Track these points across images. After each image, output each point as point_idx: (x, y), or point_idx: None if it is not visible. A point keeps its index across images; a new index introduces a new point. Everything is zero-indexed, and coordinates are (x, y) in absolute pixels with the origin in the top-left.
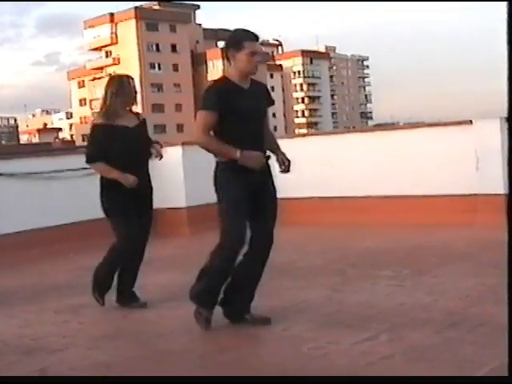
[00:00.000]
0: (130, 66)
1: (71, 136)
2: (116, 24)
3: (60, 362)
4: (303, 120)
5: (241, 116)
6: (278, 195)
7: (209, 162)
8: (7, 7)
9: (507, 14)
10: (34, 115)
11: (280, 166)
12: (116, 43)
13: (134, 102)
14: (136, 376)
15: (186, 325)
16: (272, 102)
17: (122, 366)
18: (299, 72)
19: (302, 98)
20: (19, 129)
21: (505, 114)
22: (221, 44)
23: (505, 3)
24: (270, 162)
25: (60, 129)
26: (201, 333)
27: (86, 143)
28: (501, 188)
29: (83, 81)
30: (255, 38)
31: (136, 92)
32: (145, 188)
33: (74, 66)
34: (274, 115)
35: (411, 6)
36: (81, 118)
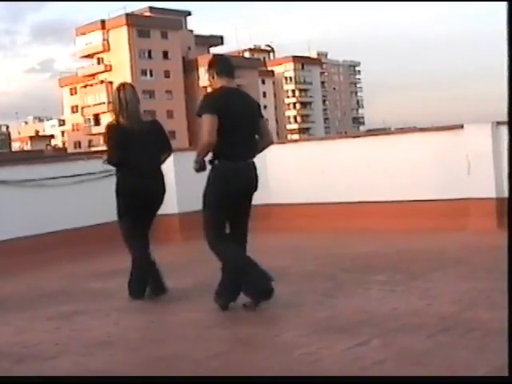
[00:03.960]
0: (122, 73)
1: (63, 143)
2: (108, 31)
3: (52, 369)
4: (295, 126)
5: None
6: (271, 201)
7: None
8: (1, 14)
9: (507, 14)
10: (26, 122)
11: None
12: (108, 50)
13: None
14: (128, 376)
15: (178, 331)
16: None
17: (114, 373)
18: (291, 78)
19: (294, 104)
20: (11, 136)
21: (496, 118)
22: (212, 50)
23: (505, 3)
24: None
25: (52, 136)
26: (193, 338)
27: None
28: (492, 192)
29: (75, 88)
30: None
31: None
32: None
33: (68, 73)
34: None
35: (403, 10)
36: (73, 125)
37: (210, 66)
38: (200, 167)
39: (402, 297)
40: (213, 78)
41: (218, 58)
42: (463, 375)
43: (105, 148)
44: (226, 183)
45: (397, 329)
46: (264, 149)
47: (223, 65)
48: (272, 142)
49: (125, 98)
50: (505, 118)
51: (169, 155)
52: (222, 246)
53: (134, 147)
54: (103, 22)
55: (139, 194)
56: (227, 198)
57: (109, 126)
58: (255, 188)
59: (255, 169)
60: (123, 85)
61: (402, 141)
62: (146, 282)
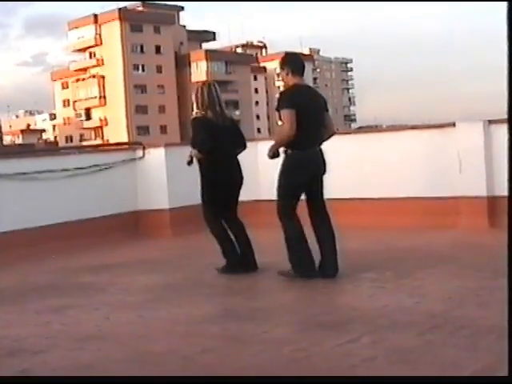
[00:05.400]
0: (114, 68)
1: (55, 137)
2: (100, 25)
3: (42, 363)
4: None
5: None
6: (260, 197)
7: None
8: None
9: (507, 13)
10: (17, 116)
11: None
12: (100, 44)
13: None
14: (118, 376)
15: (168, 326)
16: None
17: (103, 367)
18: None
19: None
20: (2, 130)
21: (488, 116)
22: (205, 46)
23: (504, 3)
24: None
25: (43, 130)
26: (183, 334)
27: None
28: (483, 191)
29: (67, 82)
30: None
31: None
32: None
33: (60, 66)
34: (257, 117)
35: (396, 8)
36: (64, 119)
37: (285, 64)
38: (274, 155)
39: (391, 294)
40: (287, 75)
41: (292, 57)
42: (455, 375)
43: (192, 140)
44: (299, 170)
45: (387, 326)
46: (328, 138)
47: (297, 64)
48: (334, 133)
49: (217, 95)
50: (496, 116)
51: (243, 150)
52: (289, 221)
53: (220, 139)
54: (96, 16)
55: (225, 182)
56: (299, 183)
57: (197, 119)
58: (324, 171)
59: (322, 155)
60: (213, 83)
61: (394, 138)
62: (238, 256)
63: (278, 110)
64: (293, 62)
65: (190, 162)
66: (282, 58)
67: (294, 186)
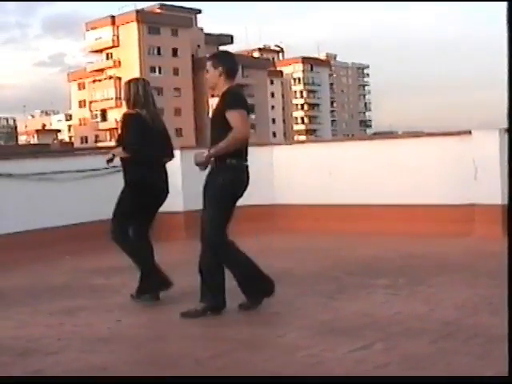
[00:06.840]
0: (131, 69)
1: (70, 138)
2: (117, 27)
3: (54, 364)
4: (302, 127)
5: None
6: (275, 202)
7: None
8: (13, 7)
9: (507, 14)
10: (33, 116)
11: None
12: (117, 46)
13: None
14: (130, 376)
15: (180, 329)
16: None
17: (116, 369)
18: (299, 79)
19: (302, 105)
20: (17, 129)
21: (504, 125)
22: (222, 49)
23: (504, 3)
24: None
25: (59, 130)
26: (196, 337)
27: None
28: (499, 198)
29: (83, 82)
30: None
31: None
32: None
33: (77, 67)
34: (273, 121)
35: (413, 14)
36: (80, 119)
37: (220, 62)
38: (208, 164)
39: (405, 301)
40: (220, 75)
41: (228, 56)
42: (463, 375)
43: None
44: (241, 183)
45: (400, 333)
46: None
47: (234, 66)
48: None
49: (151, 93)
50: None
51: (169, 160)
52: (228, 247)
53: (150, 140)
54: (113, 17)
55: (153, 188)
56: (237, 198)
57: (130, 115)
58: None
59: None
60: (146, 80)
61: (410, 145)
62: (157, 279)
63: (229, 109)
64: (229, 62)
65: (109, 160)
66: (214, 54)
67: (232, 201)
